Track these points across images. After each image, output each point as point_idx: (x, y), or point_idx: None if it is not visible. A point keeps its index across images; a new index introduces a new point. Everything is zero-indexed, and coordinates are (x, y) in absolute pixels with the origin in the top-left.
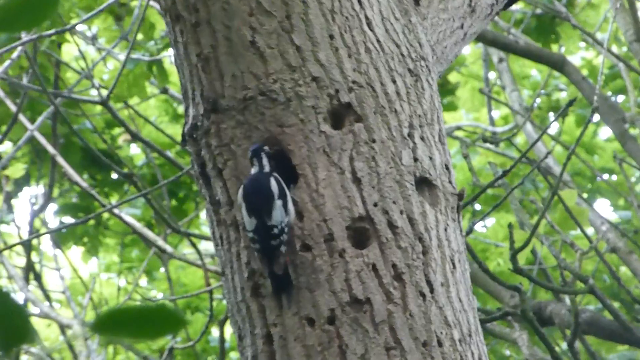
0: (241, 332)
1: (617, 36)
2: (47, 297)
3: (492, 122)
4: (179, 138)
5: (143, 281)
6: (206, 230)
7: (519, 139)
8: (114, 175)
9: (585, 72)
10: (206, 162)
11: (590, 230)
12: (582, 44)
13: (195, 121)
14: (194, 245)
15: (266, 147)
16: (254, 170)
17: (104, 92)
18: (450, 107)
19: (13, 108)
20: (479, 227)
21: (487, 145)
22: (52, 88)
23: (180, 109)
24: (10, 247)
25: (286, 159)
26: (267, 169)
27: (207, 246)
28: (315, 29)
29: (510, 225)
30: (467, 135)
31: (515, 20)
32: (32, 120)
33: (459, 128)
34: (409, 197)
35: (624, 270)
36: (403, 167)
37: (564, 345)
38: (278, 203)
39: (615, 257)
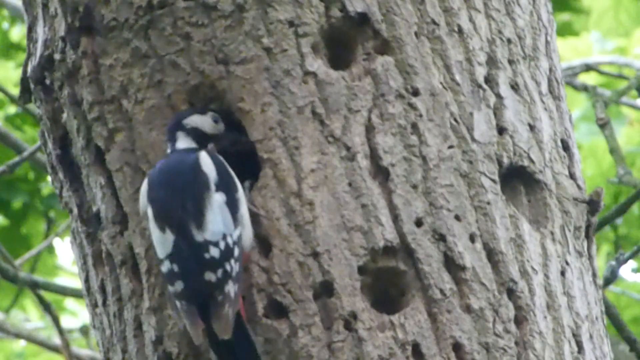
0: None
1: None
2: None
3: None
4: (13, 88)
5: None
6: (71, 275)
7: None
8: None
9: None
10: (72, 136)
11: None
12: None
13: (50, 52)
14: (45, 306)
15: (194, 119)
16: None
17: None
18: (571, 29)
19: None
20: (627, 271)
21: None
22: None
23: (18, 31)
24: None
25: (235, 131)
26: (191, 145)
27: (73, 310)
28: None
29: None
30: (606, 83)
31: None
32: None
33: (588, 68)
34: (488, 208)
35: None
36: (475, 146)
37: None
38: (217, 199)
39: None
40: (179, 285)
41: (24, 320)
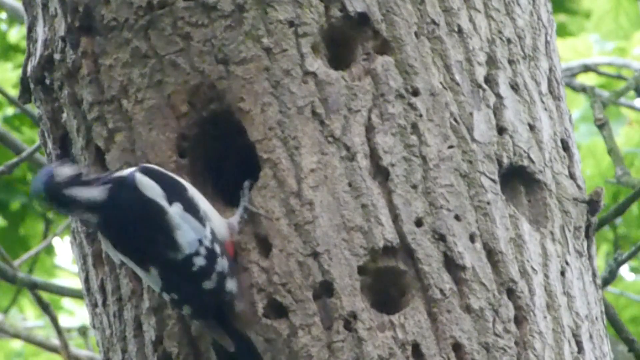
0: None
1: None
2: None
3: None
4: (12, 88)
5: None
6: (71, 276)
7: None
8: None
9: None
10: (72, 136)
11: None
12: None
13: (50, 52)
14: (43, 306)
15: (59, 175)
16: (96, 192)
17: None
18: (568, 30)
19: None
20: (626, 271)
21: None
22: None
23: (16, 33)
24: None
25: (235, 132)
26: (100, 183)
27: (70, 309)
28: None
29: None
30: (605, 84)
31: None
32: None
33: (587, 69)
34: (488, 208)
35: None
36: (475, 146)
37: None
38: (175, 212)
39: None
40: (187, 309)
41: (21, 320)
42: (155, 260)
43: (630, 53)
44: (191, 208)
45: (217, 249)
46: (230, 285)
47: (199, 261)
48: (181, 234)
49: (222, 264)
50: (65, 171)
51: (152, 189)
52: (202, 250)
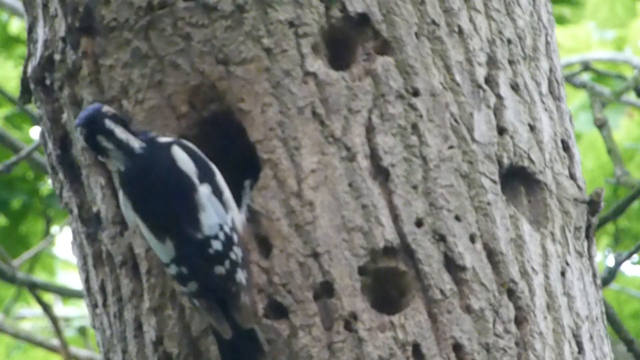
0: None
1: None
2: None
3: None
4: (12, 88)
5: None
6: (70, 274)
7: None
8: None
9: None
10: (72, 136)
11: None
12: None
13: (50, 52)
14: (43, 305)
15: (107, 109)
16: (135, 142)
17: None
18: (566, 22)
19: None
20: (627, 268)
21: None
22: None
23: (17, 26)
24: None
25: (235, 133)
26: (142, 138)
27: (71, 309)
28: None
29: None
30: (602, 79)
31: None
32: None
33: (586, 68)
34: (488, 208)
35: None
36: (475, 147)
37: None
38: (203, 192)
39: None
40: (193, 286)
41: (25, 307)
42: (174, 233)
43: (629, 42)
44: (217, 192)
45: (235, 237)
46: (240, 275)
47: (217, 245)
48: (206, 215)
49: (237, 252)
50: (114, 111)
51: (186, 164)
52: (222, 236)
